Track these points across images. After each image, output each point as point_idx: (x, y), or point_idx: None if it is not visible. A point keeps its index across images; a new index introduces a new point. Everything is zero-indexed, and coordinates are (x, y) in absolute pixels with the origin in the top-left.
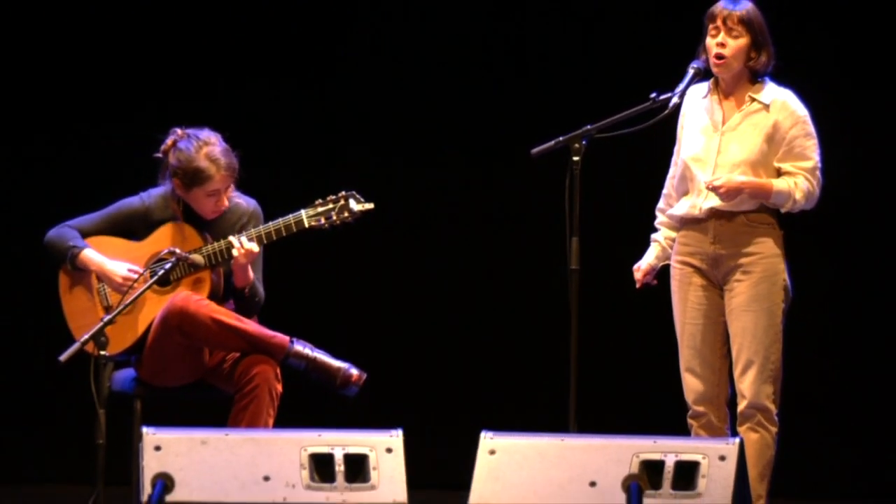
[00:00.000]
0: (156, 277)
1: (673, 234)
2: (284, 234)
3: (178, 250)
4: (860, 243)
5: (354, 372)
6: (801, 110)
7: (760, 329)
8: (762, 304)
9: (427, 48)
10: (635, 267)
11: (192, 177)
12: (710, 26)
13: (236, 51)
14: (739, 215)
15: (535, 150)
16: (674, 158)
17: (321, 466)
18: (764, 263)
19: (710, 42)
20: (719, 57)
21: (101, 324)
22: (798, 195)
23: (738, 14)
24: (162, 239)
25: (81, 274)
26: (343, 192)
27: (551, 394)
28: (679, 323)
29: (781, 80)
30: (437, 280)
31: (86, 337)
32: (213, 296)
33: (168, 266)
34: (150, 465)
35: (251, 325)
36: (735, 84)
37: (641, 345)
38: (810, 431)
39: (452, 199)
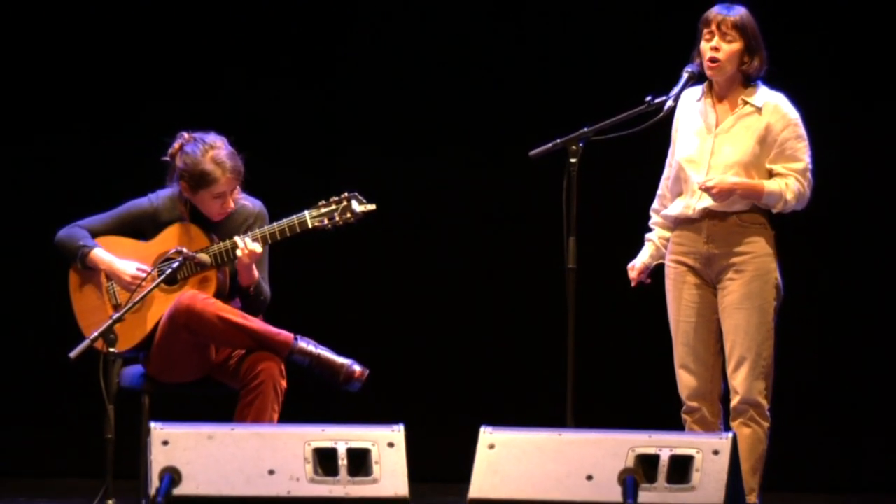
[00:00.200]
0: (163, 276)
1: (667, 234)
2: (289, 234)
3: (185, 250)
4: (850, 243)
5: (357, 368)
6: (793, 113)
7: (753, 326)
8: (754, 302)
9: (427, 50)
10: (630, 266)
11: (198, 179)
12: (705, 31)
13: (240, 53)
14: (732, 215)
15: (533, 152)
16: (668, 160)
17: (324, 460)
18: (756, 262)
19: (705, 46)
20: (713, 60)
21: (111, 321)
22: (789, 196)
23: (732, 19)
24: (169, 239)
25: (91, 273)
26: (345, 194)
27: (549, 389)
28: (673, 321)
29: (773, 83)
30: (438, 279)
31: (95, 334)
32: (219, 294)
33: (175, 265)
34: (158, 459)
35: (256, 323)
36: (728, 88)
37: (637, 342)
38: (801, 426)
39: (452, 199)
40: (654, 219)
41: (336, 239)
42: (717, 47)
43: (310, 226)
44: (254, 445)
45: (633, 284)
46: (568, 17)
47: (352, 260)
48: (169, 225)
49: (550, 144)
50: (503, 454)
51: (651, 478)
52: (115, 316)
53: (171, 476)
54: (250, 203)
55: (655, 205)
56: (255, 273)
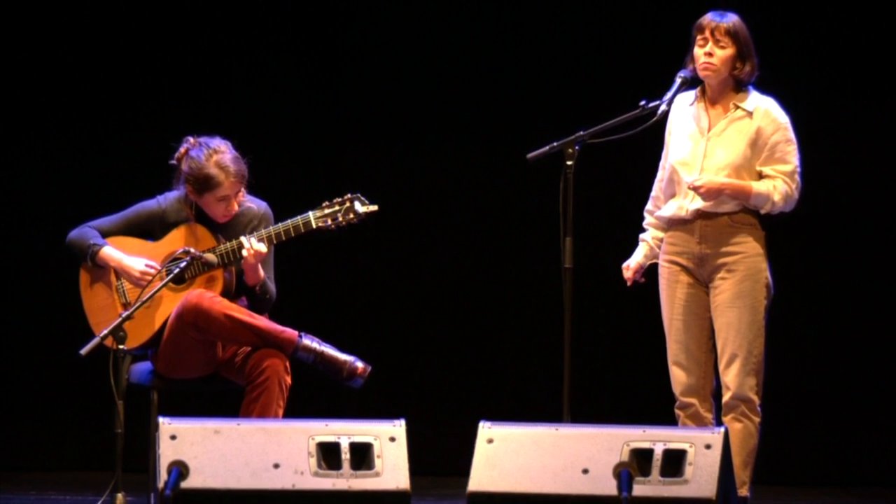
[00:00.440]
0: (171, 275)
1: (660, 235)
2: (293, 234)
3: (192, 250)
4: (839, 243)
5: (360, 365)
6: (783, 117)
7: (744, 324)
8: (745, 300)
9: (427, 54)
10: (625, 265)
11: (202, 183)
12: (699, 37)
13: (244, 59)
14: (723, 216)
15: (531, 155)
16: (662, 162)
17: (328, 454)
18: (747, 262)
19: (699, 52)
20: (707, 64)
21: (120, 319)
22: (776, 197)
23: (725, 26)
24: (177, 239)
25: (101, 272)
26: (349, 195)
27: (546, 385)
28: (667, 319)
29: (764, 88)
30: (439, 278)
31: (105, 332)
32: (225, 293)
33: (183, 265)
34: (166, 453)
35: (262, 321)
36: (721, 92)
37: (631, 339)
38: (791, 421)
39: (452, 200)
40: (648, 220)
41: (339, 239)
42: (710, 53)
43: (314, 226)
44: (259, 440)
45: (627, 283)
46: (565, 25)
47: (354, 260)
48: (176, 226)
49: (547, 147)
50: (501, 448)
51: (645, 471)
52: (125, 314)
53: (179, 469)
54: (255, 205)
55: (649, 206)
56: (261, 272)
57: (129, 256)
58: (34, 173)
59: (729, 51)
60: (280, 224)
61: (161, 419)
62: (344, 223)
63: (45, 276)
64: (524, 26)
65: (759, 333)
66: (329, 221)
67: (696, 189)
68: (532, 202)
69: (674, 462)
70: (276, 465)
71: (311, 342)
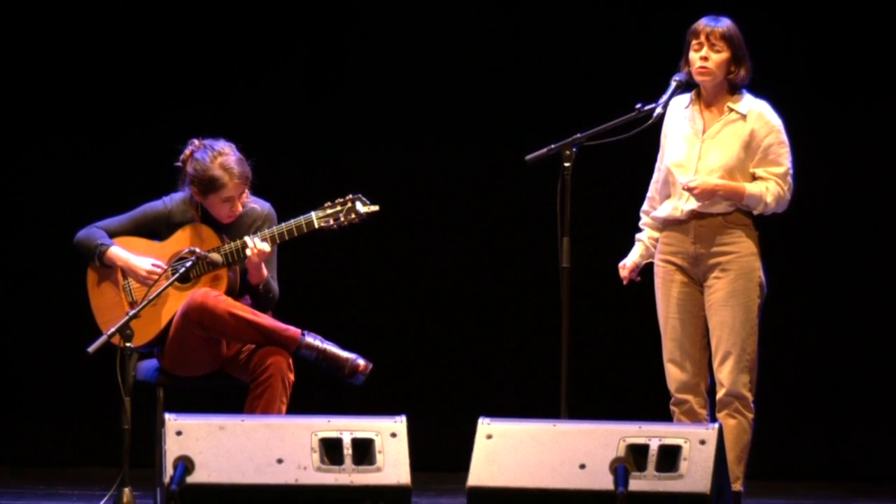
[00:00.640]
0: (177, 275)
1: (656, 235)
2: (296, 234)
3: (197, 250)
4: (831, 243)
5: (361, 362)
6: (776, 120)
7: (738, 323)
8: (739, 299)
9: (427, 58)
10: (621, 265)
11: (207, 185)
12: (694, 41)
13: (248, 63)
14: (718, 217)
15: (529, 157)
16: (657, 164)
17: (330, 450)
18: (741, 262)
19: (694, 56)
20: (702, 68)
21: (127, 318)
22: (769, 198)
23: (719, 30)
24: (182, 239)
25: (108, 271)
26: (350, 195)
27: (544, 382)
28: (662, 317)
29: (758, 91)
30: (439, 277)
31: (112, 330)
32: (230, 292)
33: (188, 264)
34: (172, 448)
35: (266, 319)
36: (715, 95)
37: (627, 337)
38: (784, 417)
39: (452, 201)
40: (644, 220)
41: (341, 239)
42: (705, 57)
43: (316, 226)
44: (263, 436)
45: (624, 283)
46: (564, 30)
47: (356, 259)
48: (182, 226)
49: (545, 149)
50: (500, 444)
51: (641, 466)
52: (132, 312)
53: (185, 465)
54: (259, 205)
55: (645, 207)
56: (265, 271)
57: (136, 256)
58: (43, 175)
59: (723, 55)
60: (283, 224)
61: (167, 415)
62: (345, 223)
63: (54, 276)
64: (523, 31)
65: (753, 331)
66: (331, 221)
67: (690, 190)
68: (530, 203)
69: (669, 457)
70: (280, 461)
71: (313, 340)
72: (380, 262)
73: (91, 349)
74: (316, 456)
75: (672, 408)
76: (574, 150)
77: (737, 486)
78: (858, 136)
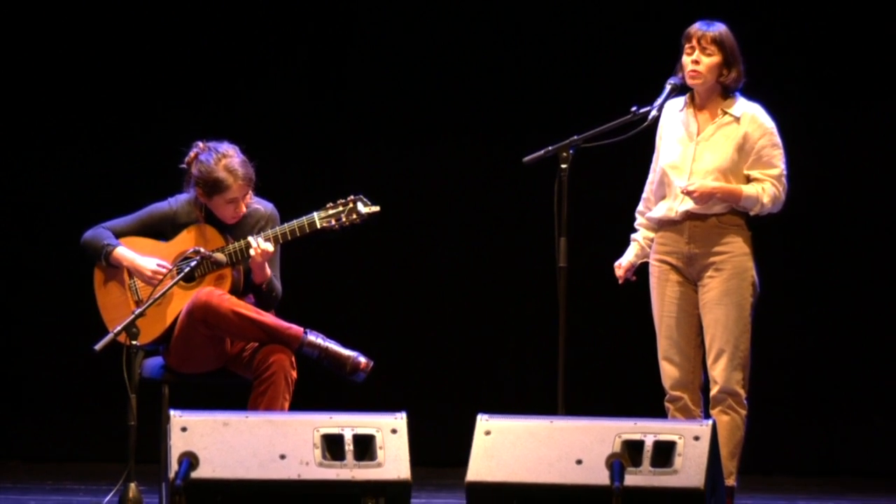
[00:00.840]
0: (182, 274)
1: (651, 235)
2: (299, 234)
3: (202, 249)
4: (822, 243)
5: (362, 360)
6: (769, 122)
7: (731, 321)
8: (732, 298)
9: (428, 62)
10: (617, 264)
11: (212, 186)
12: (687, 45)
13: (251, 67)
14: (712, 217)
15: (527, 158)
16: (652, 166)
17: (332, 446)
18: (734, 261)
19: (686, 60)
20: (694, 72)
21: (133, 316)
22: (765, 199)
23: (711, 35)
24: (187, 239)
25: (114, 270)
26: (351, 196)
27: (541, 380)
28: (657, 316)
29: (751, 94)
30: (438, 277)
31: (119, 328)
32: (233, 291)
33: (193, 264)
34: (177, 444)
35: (269, 318)
36: (708, 98)
37: (623, 335)
38: (777, 414)
39: (451, 202)
40: (640, 220)
41: (343, 239)
42: (697, 60)
43: (318, 226)
44: (266, 432)
45: (619, 282)
46: (561, 36)
47: (357, 259)
48: (187, 227)
49: (543, 151)
50: (498, 440)
51: (636, 462)
52: (138, 311)
53: (189, 460)
54: (262, 206)
55: (640, 207)
56: (268, 271)
57: (142, 256)
58: (51, 177)
59: (715, 58)
60: (286, 224)
61: (172, 412)
62: (347, 223)
63: (61, 275)
64: (522, 35)
65: (746, 330)
66: (333, 222)
67: (689, 193)
68: (528, 203)
69: (664, 453)
70: (283, 456)
71: (315, 338)
72: (380, 261)
73: (98, 347)
74: (318, 451)
75: (667, 404)
76: (571, 151)
77: (730, 482)
78: (850, 137)
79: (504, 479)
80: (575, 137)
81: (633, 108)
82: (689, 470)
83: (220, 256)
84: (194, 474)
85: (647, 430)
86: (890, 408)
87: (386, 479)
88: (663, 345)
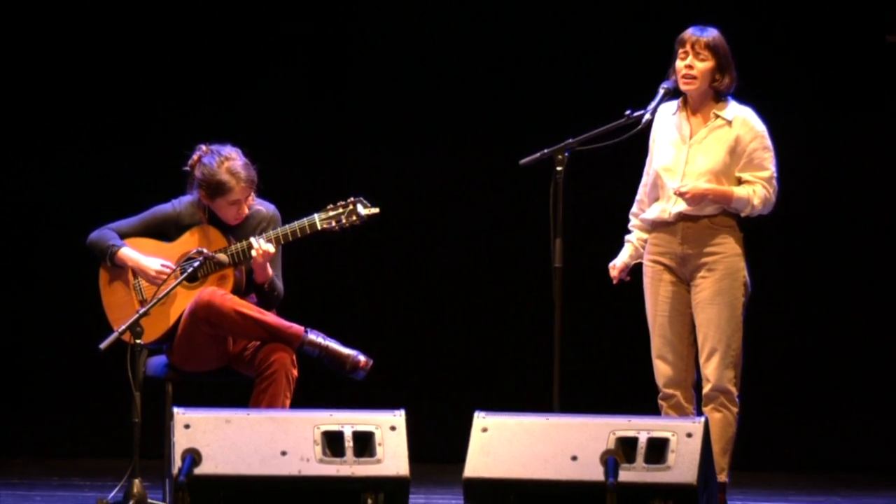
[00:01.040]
0: (185, 274)
1: (645, 236)
2: (300, 235)
3: (205, 250)
4: (813, 243)
5: (362, 358)
6: (760, 126)
7: (723, 320)
8: (724, 297)
9: (427, 66)
10: (611, 265)
11: (214, 188)
12: (680, 50)
13: (253, 71)
14: (704, 219)
15: (523, 161)
16: (646, 168)
17: (332, 442)
18: (726, 262)
19: (680, 64)
20: (688, 77)
21: (137, 315)
22: (756, 201)
23: (704, 40)
24: (191, 240)
25: (119, 271)
26: (351, 198)
27: (537, 377)
28: (651, 315)
29: (743, 98)
30: (437, 277)
31: (123, 327)
32: (236, 290)
33: (196, 264)
34: (181, 441)
35: (270, 317)
36: (701, 102)
37: (617, 334)
38: (767, 411)
39: (449, 203)
40: (633, 222)
41: (343, 240)
42: (691, 65)
43: (319, 228)
44: (268, 429)
45: (614, 282)
46: (556, 42)
47: (357, 259)
48: (190, 228)
49: (539, 154)
50: (495, 437)
51: (630, 458)
52: (142, 310)
53: (193, 457)
54: (264, 207)
55: (634, 209)
56: (269, 271)
57: (146, 257)
58: (58, 178)
59: (708, 63)
60: (287, 226)
61: (175, 409)
62: (347, 225)
63: (67, 275)
64: (519, 42)
65: (738, 329)
66: (333, 223)
67: (682, 195)
68: (524, 205)
69: (657, 449)
70: (284, 453)
71: (316, 337)
72: (380, 262)
73: (103, 346)
74: (318, 448)
75: (660, 402)
76: (566, 154)
77: (722, 477)
78: (840, 140)
79: (501, 475)
80: (570, 140)
81: (628, 112)
82: (682, 466)
83: (222, 257)
84: (197, 470)
85: (641, 427)
86: (877, 405)
87: (385, 476)
88: (657, 343)
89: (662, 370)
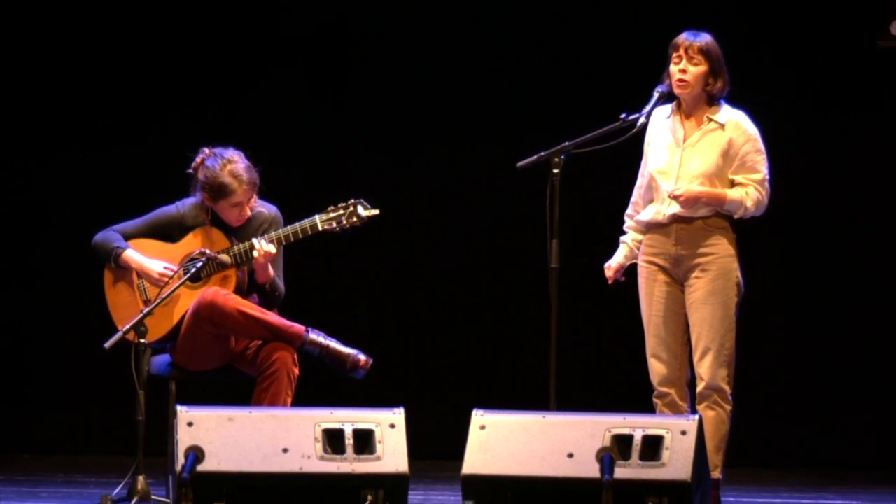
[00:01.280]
0: (189, 274)
1: (639, 237)
2: (301, 236)
3: (208, 251)
4: (805, 244)
5: (362, 357)
6: (753, 129)
7: (717, 320)
8: (718, 297)
9: (426, 70)
10: (606, 265)
11: (217, 191)
12: (674, 55)
13: (255, 74)
14: (698, 220)
15: (520, 164)
16: (641, 171)
17: (333, 440)
18: (719, 262)
19: (674, 69)
20: (682, 81)
21: (141, 315)
22: (749, 203)
23: (698, 45)
24: (194, 241)
25: (123, 272)
26: (352, 200)
27: (534, 376)
28: (645, 315)
29: (735, 102)
30: (436, 277)
31: (127, 327)
32: (238, 291)
33: (199, 265)
34: (184, 438)
35: (272, 316)
36: (695, 106)
37: (613, 334)
38: (760, 409)
39: (448, 205)
40: (628, 223)
41: (343, 241)
42: (684, 70)
43: (320, 229)
44: (269, 426)
45: (609, 282)
46: (553, 47)
47: (357, 260)
48: (193, 229)
49: (535, 157)
50: (493, 434)
51: (626, 455)
52: (146, 310)
53: (196, 454)
54: (266, 209)
55: (629, 211)
56: (271, 271)
57: (149, 259)
58: (59, 179)
59: (702, 68)
60: (289, 227)
61: (179, 407)
62: (348, 226)
63: (71, 274)
64: (517, 47)
65: (731, 328)
66: (334, 224)
67: (675, 197)
68: (521, 207)
69: (652, 447)
70: (285, 450)
71: (317, 336)
72: (380, 262)
73: (107, 345)
74: (319, 445)
75: (655, 400)
76: (562, 157)
77: (716, 474)
78: (831, 143)
79: (498, 472)
80: (566, 143)
81: (623, 115)
82: (677, 463)
83: (225, 258)
84: (200, 467)
85: (636, 425)
86: (868, 402)
87: (385, 472)
88: (651, 343)
89: (657, 369)
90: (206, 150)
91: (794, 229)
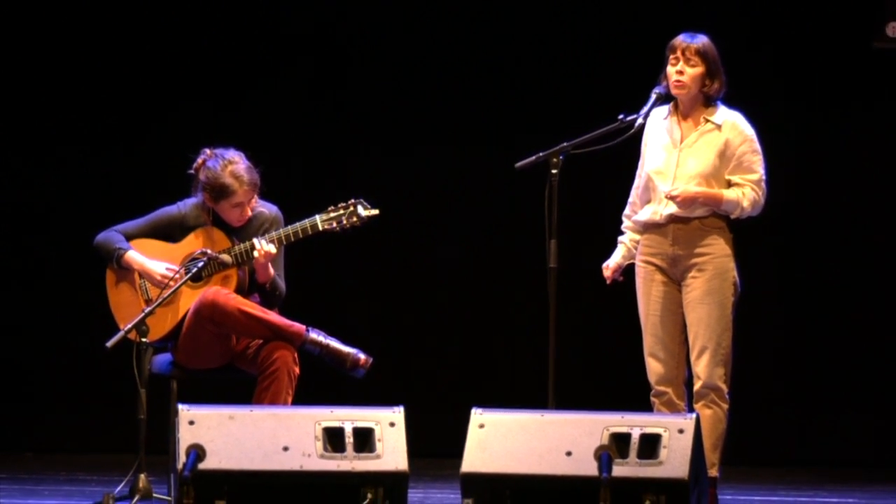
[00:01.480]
0: (190, 274)
1: (637, 237)
2: (301, 236)
3: (209, 251)
4: (801, 244)
5: (362, 356)
6: (749, 130)
7: (713, 319)
8: (715, 297)
9: (426, 71)
10: (604, 265)
11: (218, 191)
12: (671, 56)
13: (257, 76)
14: (695, 220)
15: (519, 164)
16: (638, 171)
17: (333, 438)
18: (716, 262)
19: (671, 70)
20: (679, 82)
21: (143, 315)
22: (745, 203)
23: (695, 46)
24: (195, 241)
25: (125, 272)
26: (352, 200)
27: (533, 375)
28: (643, 314)
29: (732, 103)
30: (435, 277)
31: (129, 326)
32: (239, 290)
33: (200, 264)
34: (185, 437)
35: (273, 316)
36: (692, 107)
37: (611, 333)
38: (757, 407)
39: (448, 205)
40: (626, 223)
41: (343, 241)
42: (681, 71)
43: (320, 228)
44: (270, 425)
45: (607, 282)
46: (552, 49)
47: (358, 260)
48: (195, 229)
49: (534, 157)
50: (492, 433)
51: (624, 454)
52: (147, 310)
53: (197, 452)
54: (267, 209)
55: (627, 211)
56: (272, 271)
57: (151, 261)
58: (59, 178)
59: (699, 69)
60: (289, 227)
61: (180, 406)
62: (348, 226)
63: (74, 273)
64: (517, 48)
65: (728, 327)
66: (334, 224)
67: (672, 198)
68: (520, 207)
69: (650, 445)
70: (286, 448)
71: (317, 335)
72: (380, 262)
73: (109, 344)
74: (319, 444)
75: (652, 399)
76: (561, 157)
77: (713, 472)
78: (826, 144)
79: (497, 470)
80: (565, 144)
81: (621, 116)
82: (674, 461)
83: (226, 257)
84: (201, 465)
85: (634, 424)
86: (864, 400)
87: (384, 471)
88: (649, 342)
89: (654, 368)
90: (208, 151)
91: (792, 229)
